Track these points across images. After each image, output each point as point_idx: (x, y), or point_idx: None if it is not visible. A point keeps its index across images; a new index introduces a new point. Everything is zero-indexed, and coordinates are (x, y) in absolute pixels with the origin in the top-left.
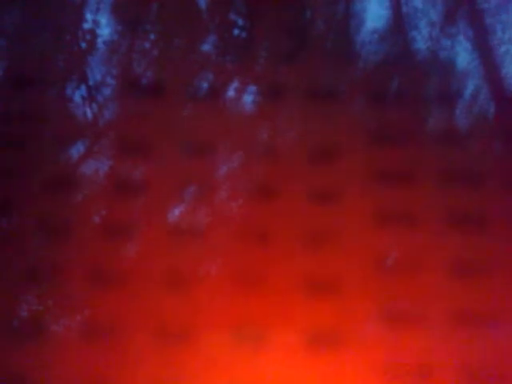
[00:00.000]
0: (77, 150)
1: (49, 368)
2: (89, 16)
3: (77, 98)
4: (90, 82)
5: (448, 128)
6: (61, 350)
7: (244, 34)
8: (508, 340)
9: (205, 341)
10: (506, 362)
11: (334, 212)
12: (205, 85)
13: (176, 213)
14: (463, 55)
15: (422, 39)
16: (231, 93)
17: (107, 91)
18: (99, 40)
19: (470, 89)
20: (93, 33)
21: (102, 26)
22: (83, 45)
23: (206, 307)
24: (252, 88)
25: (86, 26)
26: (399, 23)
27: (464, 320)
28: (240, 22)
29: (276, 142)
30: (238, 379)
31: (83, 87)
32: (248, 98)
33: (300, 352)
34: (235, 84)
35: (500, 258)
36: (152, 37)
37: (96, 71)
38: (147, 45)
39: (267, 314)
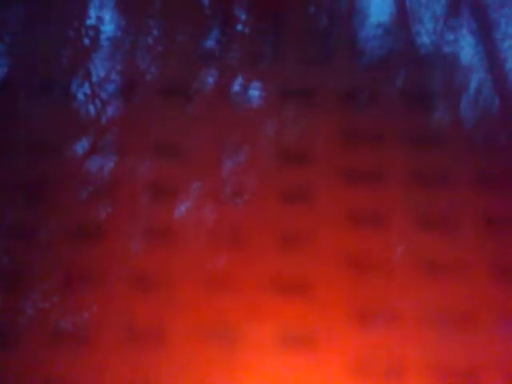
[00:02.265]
0: (81, 146)
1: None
2: (92, 12)
3: (80, 94)
4: (94, 79)
5: (452, 122)
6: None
7: (247, 30)
8: (484, 340)
9: (177, 342)
10: (477, 360)
11: (307, 213)
12: (209, 80)
13: (182, 207)
14: (467, 49)
15: (426, 33)
16: (236, 88)
17: (111, 87)
18: (103, 36)
19: (474, 83)
20: (96, 29)
21: (106, 22)
22: (87, 41)
23: (178, 308)
24: (256, 83)
25: (90, 22)
26: (403, 18)
27: (437, 320)
28: (243, 17)
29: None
30: (212, 380)
31: (87, 84)
32: (253, 94)
33: (274, 352)
34: (239, 79)
35: (477, 258)
36: (155, 33)
37: (100, 67)
38: (150, 41)
39: (241, 314)
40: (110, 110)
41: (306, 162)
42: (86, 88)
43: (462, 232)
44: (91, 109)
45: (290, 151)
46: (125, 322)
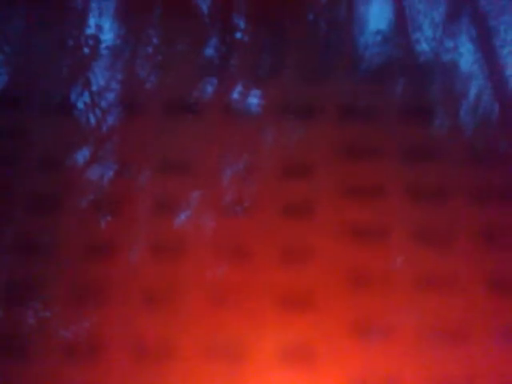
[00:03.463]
0: (82, 155)
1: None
2: (92, 21)
3: (80, 103)
4: (94, 88)
5: (451, 129)
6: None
7: (247, 38)
8: (482, 354)
9: (180, 355)
10: (475, 373)
11: (308, 225)
12: (209, 89)
13: (182, 218)
14: (466, 57)
15: (425, 41)
16: (235, 96)
17: (111, 96)
18: (102, 45)
19: (473, 90)
20: (96, 38)
21: (105, 31)
22: (86, 50)
23: (180, 321)
24: (256, 92)
25: (89, 31)
26: (402, 25)
27: (437, 333)
28: (242, 25)
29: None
30: None
31: (86, 93)
32: (252, 102)
33: (276, 365)
34: (239, 88)
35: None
36: (155, 41)
37: (99, 76)
38: (150, 49)
39: (243, 327)
40: (110, 119)
41: (308, 173)
42: (86, 97)
43: (461, 246)
44: (91, 118)
45: (290, 161)
46: (128, 335)
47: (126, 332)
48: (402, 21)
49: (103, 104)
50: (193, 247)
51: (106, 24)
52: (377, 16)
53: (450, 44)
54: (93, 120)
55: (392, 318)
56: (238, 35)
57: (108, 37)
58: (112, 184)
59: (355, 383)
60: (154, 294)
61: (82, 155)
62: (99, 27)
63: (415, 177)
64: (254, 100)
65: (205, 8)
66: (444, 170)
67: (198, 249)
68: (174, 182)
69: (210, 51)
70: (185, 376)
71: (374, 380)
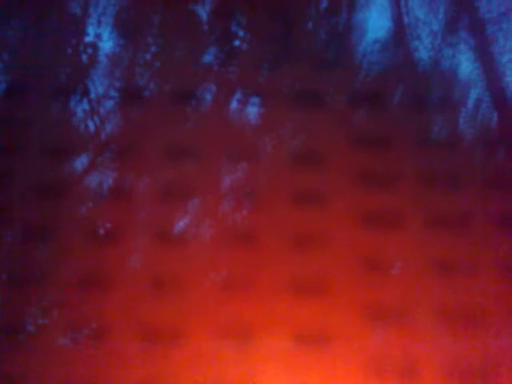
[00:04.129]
0: (80, 162)
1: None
2: (90, 29)
3: (79, 111)
4: (92, 95)
5: (450, 137)
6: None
7: (245, 45)
8: (498, 339)
9: (192, 343)
10: (491, 358)
11: (321, 215)
12: (207, 96)
13: (181, 225)
14: (465, 64)
15: (424, 49)
16: (234, 104)
17: (109, 104)
18: (101, 53)
19: (472, 98)
20: (94, 46)
21: (104, 39)
22: (85, 58)
23: (192, 311)
24: (255, 99)
25: (88, 39)
26: (401, 33)
27: (450, 318)
28: (241, 33)
29: (278, 151)
30: (231, 378)
31: (85, 100)
32: (251, 109)
33: (288, 351)
34: (238, 95)
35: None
36: (153, 49)
37: (98, 84)
38: (149, 57)
39: (256, 314)
40: (108, 127)
41: (319, 162)
42: (85, 104)
43: (475, 231)
44: (90, 125)
45: (302, 150)
46: (139, 324)
47: (137, 320)
48: (400, 29)
49: (102, 111)
50: (204, 234)
51: (105, 32)
52: (375, 24)
53: (448, 52)
54: (92, 127)
55: (407, 303)
56: (237, 42)
57: (107, 45)
58: (110, 189)
59: (370, 366)
60: (164, 279)
61: (81, 161)
62: (98, 35)
63: (427, 163)
64: (252, 105)
65: (203, 15)
66: (456, 157)
67: (210, 235)
68: (182, 171)
69: (208, 58)
70: (198, 362)
71: (388, 362)
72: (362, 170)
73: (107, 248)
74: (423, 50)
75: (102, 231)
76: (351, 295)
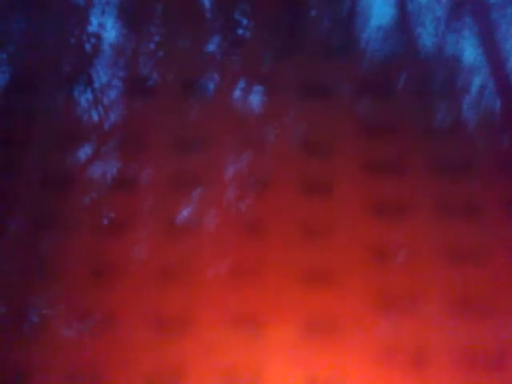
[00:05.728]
0: (84, 152)
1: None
2: (94, 19)
3: (83, 100)
4: (96, 85)
5: (454, 122)
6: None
7: (248, 34)
8: (503, 325)
9: (203, 331)
10: (501, 345)
11: (329, 204)
12: (211, 85)
13: (184, 214)
14: (469, 51)
15: (427, 35)
16: (237, 92)
17: (113, 94)
18: (105, 43)
19: (476, 84)
20: (98, 36)
21: (108, 28)
22: (89, 48)
23: (203, 298)
24: (258, 87)
25: (92, 29)
26: (405, 20)
27: (459, 306)
28: (244, 21)
29: (282, 140)
30: (240, 367)
31: (89, 90)
32: (254, 98)
33: (299, 338)
34: (241, 84)
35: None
36: (157, 38)
37: (102, 74)
38: (152, 46)
39: (265, 302)
40: (112, 116)
41: (328, 151)
42: (89, 94)
43: (484, 219)
44: (94, 115)
45: (311, 139)
46: (152, 313)
47: (149, 309)
48: (404, 16)
49: (106, 101)
50: (212, 224)
51: (108, 22)
52: (379, 11)
53: (452, 38)
54: (95, 116)
55: (416, 290)
56: (240, 31)
57: (110, 34)
58: (114, 179)
59: (380, 354)
60: (174, 269)
61: (84, 151)
62: (101, 25)
63: (436, 153)
64: (256, 94)
65: (207, 5)
66: (461, 144)
67: (217, 225)
68: (190, 160)
69: (212, 47)
70: (208, 350)
71: (399, 351)
72: (367, 157)
73: (113, 238)
74: (427, 37)
75: (106, 221)
76: (360, 283)
